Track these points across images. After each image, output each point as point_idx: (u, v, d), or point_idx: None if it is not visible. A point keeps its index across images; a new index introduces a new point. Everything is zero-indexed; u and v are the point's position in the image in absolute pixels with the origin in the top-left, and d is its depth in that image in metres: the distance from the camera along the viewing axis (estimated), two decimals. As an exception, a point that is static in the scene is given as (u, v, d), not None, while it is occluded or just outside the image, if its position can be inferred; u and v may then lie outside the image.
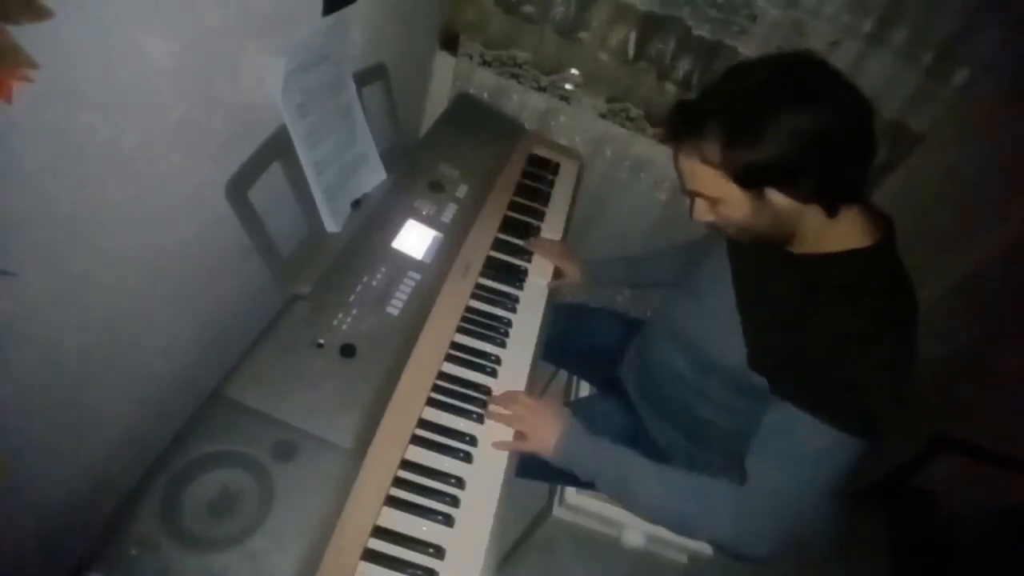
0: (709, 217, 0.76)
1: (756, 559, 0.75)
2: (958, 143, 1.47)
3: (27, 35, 0.43)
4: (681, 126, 0.70)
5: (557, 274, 1.17)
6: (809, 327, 0.70)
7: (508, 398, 0.89)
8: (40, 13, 0.43)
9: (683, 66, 1.48)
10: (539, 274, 1.14)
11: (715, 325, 0.83)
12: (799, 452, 0.70)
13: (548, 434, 0.84)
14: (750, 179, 0.67)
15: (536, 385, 0.96)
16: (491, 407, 0.88)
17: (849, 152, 0.65)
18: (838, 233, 0.73)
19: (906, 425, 1.91)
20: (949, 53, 1.33)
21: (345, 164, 0.98)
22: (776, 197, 0.68)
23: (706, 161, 0.68)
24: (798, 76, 0.67)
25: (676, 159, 0.74)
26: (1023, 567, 1.51)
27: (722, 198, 0.71)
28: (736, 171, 0.67)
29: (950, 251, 1.68)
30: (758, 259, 0.82)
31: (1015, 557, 1.54)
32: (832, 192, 0.67)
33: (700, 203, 0.76)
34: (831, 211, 0.69)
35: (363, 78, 1.04)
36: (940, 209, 1.59)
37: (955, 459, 1.66)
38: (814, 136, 0.63)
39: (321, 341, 0.81)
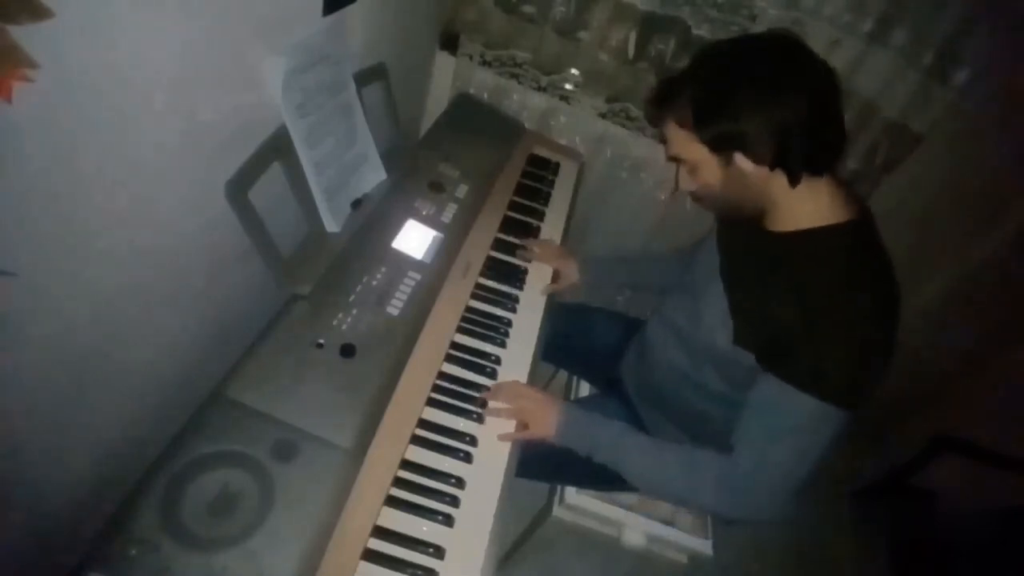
0: (691, 186, 0.81)
1: (757, 522, 0.79)
2: (958, 143, 1.47)
3: (27, 35, 0.43)
4: (661, 94, 0.78)
5: (555, 277, 1.17)
6: (786, 301, 0.74)
7: (502, 391, 0.90)
8: (40, 13, 0.43)
9: (683, 66, 1.47)
10: (538, 276, 1.14)
11: (708, 312, 0.85)
12: (783, 423, 0.73)
13: (547, 417, 0.87)
14: (717, 144, 0.73)
15: (536, 385, 0.96)
16: (490, 403, 0.89)
17: (810, 123, 0.69)
18: (810, 210, 0.76)
19: (906, 425, 1.93)
20: (949, 53, 1.33)
21: (345, 164, 0.98)
22: (743, 163, 0.72)
23: (681, 126, 0.75)
24: (767, 49, 0.72)
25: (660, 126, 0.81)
26: (1023, 567, 1.51)
27: (697, 163, 0.77)
28: (705, 136, 0.73)
29: (950, 251, 1.68)
30: (739, 240, 0.86)
31: (1015, 557, 1.54)
32: (794, 160, 0.71)
33: (682, 171, 0.81)
34: (793, 180, 0.72)
35: (363, 78, 1.04)
36: (940, 209, 1.59)
37: (955, 459, 1.66)
38: (775, 106, 0.68)
39: (321, 341, 0.81)
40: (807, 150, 0.71)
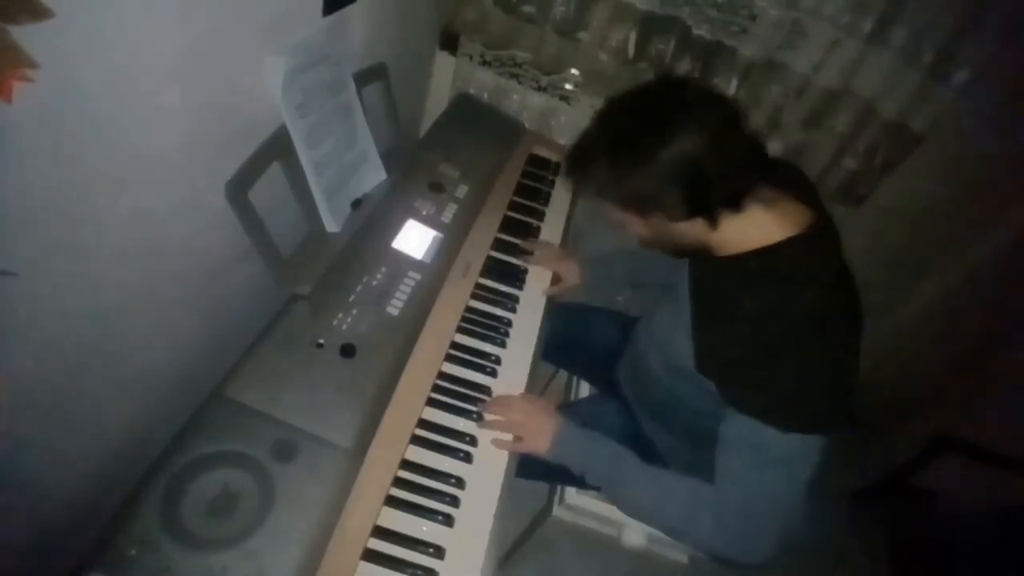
0: (625, 238, 0.82)
1: (746, 565, 0.75)
2: (958, 143, 1.47)
3: (27, 35, 0.43)
4: (569, 170, 0.79)
5: (556, 279, 1.16)
6: (729, 330, 0.73)
7: (501, 404, 0.89)
8: (40, 13, 0.43)
9: (683, 66, 1.48)
10: (538, 276, 1.14)
11: (680, 329, 0.83)
12: (759, 458, 0.70)
13: (542, 434, 0.85)
14: (630, 208, 0.75)
15: (536, 385, 0.96)
16: (486, 416, 0.88)
17: (710, 167, 0.68)
18: (745, 235, 0.74)
19: (906, 425, 1.93)
20: (949, 53, 1.33)
21: (345, 164, 0.98)
22: (660, 219, 0.73)
23: (594, 195, 0.77)
24: (649, 110, 0.70)
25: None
26: (1023, 567, 1.51)
27: (621, 222, 0.78)
28: (615, 203, 0.75)
29: (950, 251, 1.68)
30: (699, 266, 0.84)
31: (1015, 557, 1.54)
32: (706, 205, 0.71)
33: (612, 227, 0.82)
34: (712, 222, 0.72)
35: (363, 78, 1.04)
36: (940, 209, 1.59)
37: (955, 459, 1.66)
38: (669, 164, 0.67)
39: (321, 341, 0.81)
40: (716, 192, 0.70)
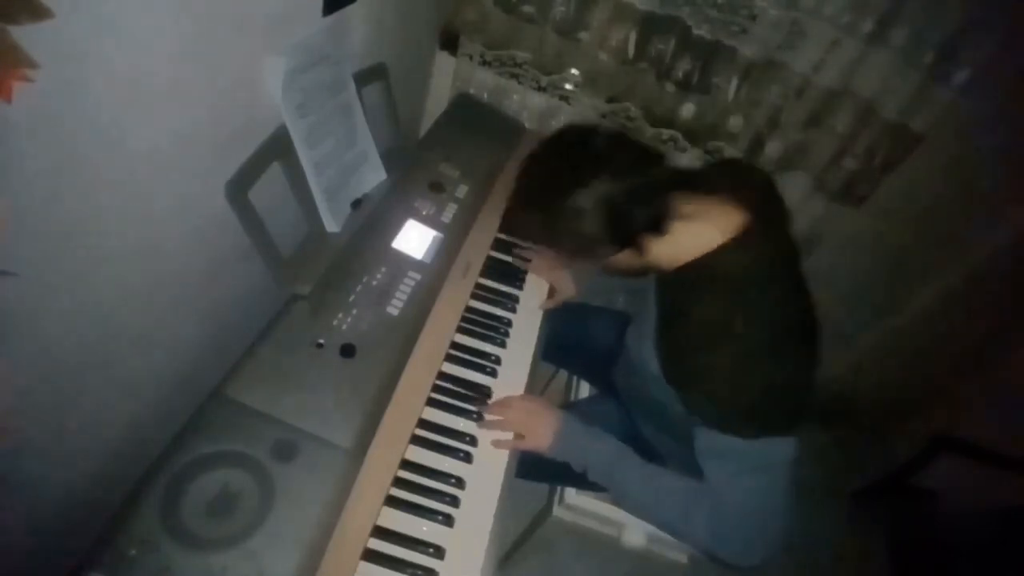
0: (584, 271, 0.91)
1: (742, 567, 0.76)
2: (958, 143, 1.47)
3: (27, 35, 0.43)
4: (510, 230, 0.95)
5: (551, 291, 1.16)
6: (680, 340, 0.75)
7: (501, 405, 0.89)
8: (40, 13, 0.43)
9: (683, 66, 1.48)
10: (537, 279, 1.14)
11: (650, 347, 0.84)
12: (730, 466, 0.72)
13: (544, 432, 0.86)
14: (570, 253, 0.82)
15: (536, 385, 0.96)
16: (487, 416, 0.88)
17: (627, 205, 0.71)
18: (685, 246, 0.76)
19: (906, 425, 1.93)
20: (949, 53, 1.33)
21: (345, 164, 0.98)
22: (599, 255, 0.78)
23: (539, 246, 0.87)
24: (567, 167, 0.74)
25: None
26: (1023, 567, 1.51)
27: (571, 257, 0.85)
28: (557, 251, 0.82)
29: (950, 251, 1.68)
30: (659, 277, 0.86)
31: (1015, 557, 1.54)
32: (630, 239, 0.74)
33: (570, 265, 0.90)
34: (640, 251, 0.76)
35: (363, 78, 1.04)
36: (940, 209, 1.59)
37: (955, 459, 1.66)
38: (592, 213, 0.71)
39: (321, 341, 0.81)
40: (634, 225, 0.73)
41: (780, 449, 0.70)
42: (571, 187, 0.71)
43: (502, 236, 1.17)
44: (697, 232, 0.75)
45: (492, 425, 0.87)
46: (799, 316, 0.74)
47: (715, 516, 0.74)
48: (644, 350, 0.84)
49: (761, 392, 0.69)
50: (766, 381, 0.69)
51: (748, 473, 0.71)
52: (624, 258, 0.78)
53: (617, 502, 0.85)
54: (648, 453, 0.93)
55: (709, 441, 0.72)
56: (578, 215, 0.72)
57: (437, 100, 1.68)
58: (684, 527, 0.78)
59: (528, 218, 0.79)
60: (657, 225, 0.74)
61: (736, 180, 0.83)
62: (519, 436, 0.87)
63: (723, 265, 0.73)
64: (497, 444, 0.86)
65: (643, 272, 0.83)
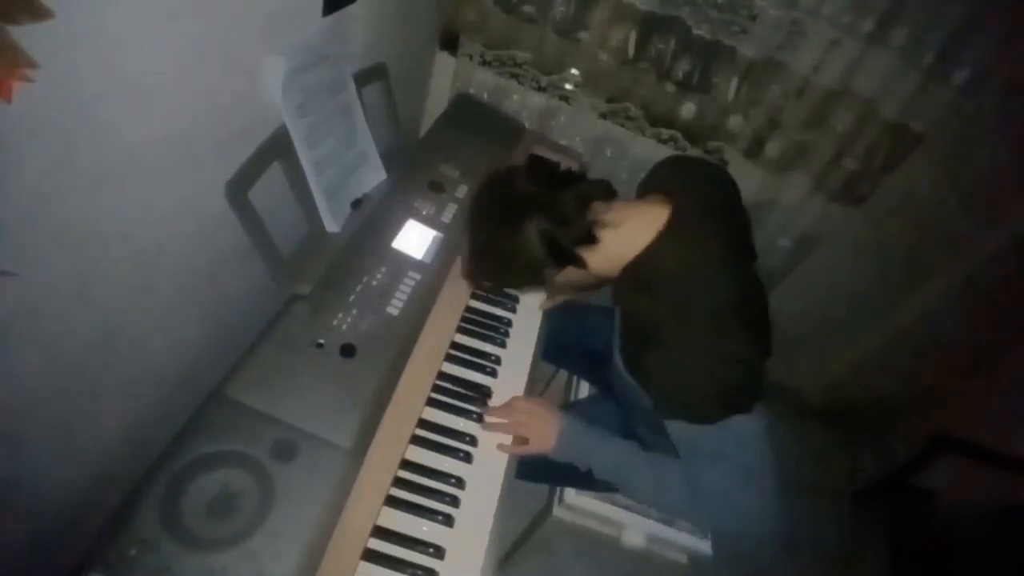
0: (543, 296, 0.98)
1: (752, 540, 0.83)
2: (958, 143, 1.47)
3: (27, 35, 0.43)
4: (467, 278, 0.97)
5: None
6: (633, 334, 0.81)
7: (505, 408, 0.89)
8: (40, 13, 0.43)
9: (683, 66, 1.48)
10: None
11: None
12: (700, 451, 0.75)
13: (547, 435, 0.86)
14: (525, 285, 0.90)
15: (536, 385, 0.96)
16: (487, 419, 0.89)
17: (556, 230, 0.76)
18: (620, 250, 0.79)
19: (906, 425, 1.93)
20: (949, 53, 1.33)
21: (345, 164, 0.98)
22: (550, 277, 0.82)
23: (496, 288, 0.97)
24: (493, 216, 0.80)
25: None
26: (1023, 567, 1.51)
27: (524, 289, 0.93)
28: (514, 288, 0.95)
29: (950, 251, 1.68)
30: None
31: (1015, 557, 1.54)
32: (568, 257, 0.78)
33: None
34: (580, 264, 0.79)
35: (363, 78, 1.04)
36: (940, 209, 1.59)
37: (955, 459, 1.66)
38: (527, 247, 0.77)
39: (321, 341, 0.81)
40: (567, 243, 0.77)
41: (746, 427, 0.73)
42: (507, 230, 0.78)
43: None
44: (625, 235, 0.78)
45: (494, 428, 0.87)
46: (739, 295, 0.75)
47: (710, 497, 0.77)
48: (616, 351, 0.89)
49: (711, 379, 0.71)
50: (715, 368, 0.71)
51: (721, 455, 0.73)
52: (572, 275, 0.82)
53: (622, 492, 0.87)
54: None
55: (678, 430, 0.75)
56: (519, 251, 0.77)
57: (437, 100, 1.68)
58: (690, 512, 0.82)
59: (480, 267, 0.85)
60: (586, 238, 0.78)
61: (667, 177, 0.88)
62: (522, 440, 0.87)
63: (656, 260, 0.76)
64: (501, 448, 0.86)
65: (597, 284, 0.88)
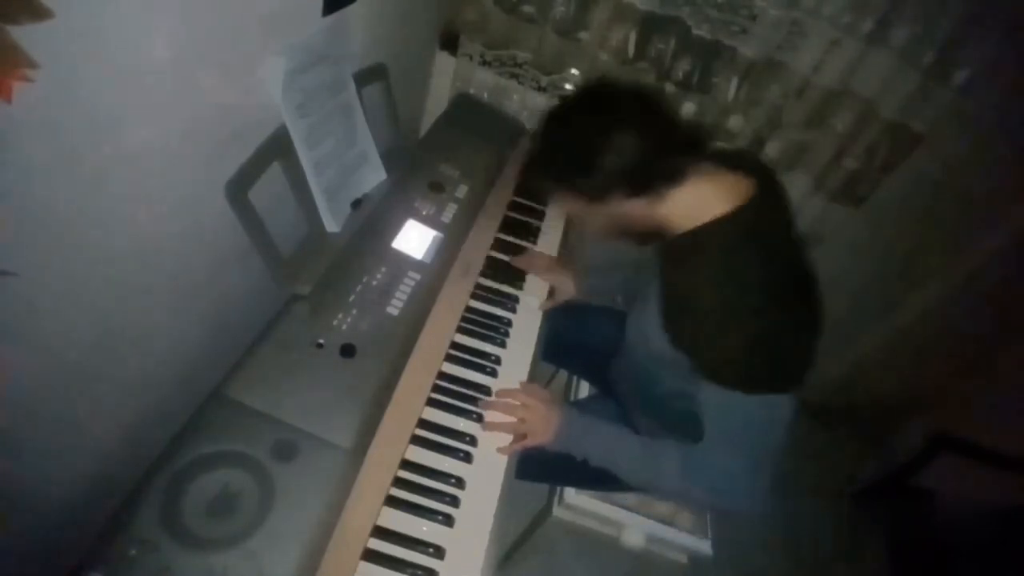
0: (591, 230, 0.88)
1: (742, 513, 0.82)
2: (958, 143, 1.47)
3: (27, 35, 0.43)
4: (528, 174, 0.89)
5: (551, 291, 1.15)
6: (688, 303, 0.78)
7: (503, 404, 0.89)
8: (40, 13, 0.43)
9: (683, 66, 1.48)
10: (537, 279, 1.14)
11: (650, 313, 0.87)
12: (732, 423, 0.76)
13: (547, 426, 0.87)
14: (587, 196, 0.80)
15: (533, 386, 0.96)
16: (488, 418, 0.88)
17: (647, 147, 0.74)
18: (695, 209, 0.78)
19: (906, 425, 1.93)
20: (949, 53, 1.33)
21: (345, 164, 0.98)
22: (618, 202, 0.78)
23: (556, 191, 0.84)
24: (585, 102, 0.79)
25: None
26: (1023, 567, 1.51)
27: (583, 214, 0.84)
28: (572, 192, 0.80)
29: (950, 251, 1.68)
30: (662, 247, 0.89)
31: (1015, 557, 1.54)
32: (653, 182, 0.76)
33: (576, 223, 0.87)
34: (659, 194, 0.77)
35: (363, 78, 1.04)
36: (940, 209, 1.59)
37: (955, 459, 1.66)
38: (616, 154, 0.74)
39: (321, 341, 0.81)
40: (660, 167, 0.75)
41: (777, 409, 0.75)
42: (599, 127, 0.74)
43: (502, 236, 1.17)
44: (710, 194, 0.78)
45: (493, 428, 0.88)
46: (797, 283, 0.77)
47: (711, 475, 0.79)
48: (644, 324, 0.87)
49: (761, 349, 0.72)
50: (766, 339, 0.72)
51: (746, 427, 0.76)
52: (637, 211, 0.79)
53: (623, 480, 0.88)
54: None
55: (712, 396, 0.76)
56: (600, 154, 0.74)
57: (437, 100, 1.68)
58: (686, 492, 0.83)
59: (550, 167, 0.81)
60: (676, 175, 0.76)
61: (742, 162, 0.86)
62: (521, 436, 0.87)
63: (731, 230, 0.76)
64: (502, 451, 0.86)
65: (649, 233, 0.84)
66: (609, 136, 0.74)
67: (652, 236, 0.84)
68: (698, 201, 0.78)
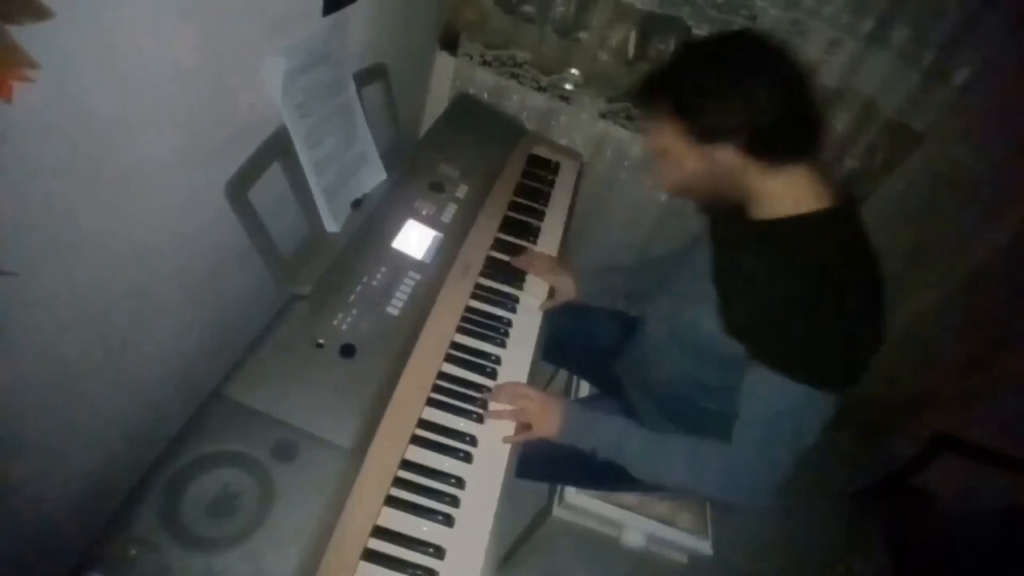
0: (673, 177, 0.83)
1: (748, 508, 0.82)
2: (958, 143, 1.47)
3: (27, 35, 0.43)
4: (647, 86, 0.80)
5: (552, 292, 1.15)
6: (769, 288, 0.76)
7: (503, 392, 0.90)
8: (40, 13, 0.43)
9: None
10: (537, 279, 1.14)
11: (702, 307, 0.86)
12: (773, 410, 0.76)
13: (550, 416, 0.88)
14: (702, 135, 0.75)
15: (536, 385, 0.96)
16: (491, 406, 0.89)
17: (787, 111, 0.72)
18: (790, 197, 0.77)
19: (906, 425, 1.93)
20: (949, 53, 1.33)
21: (345, 164, 0.98)
22: (725, 153, 0.75)
23: (665, 118, 0.77)
24: (742, 45, 0.75)
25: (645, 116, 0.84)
26: (1023, 567, 1.51)
27: (679, 155, 0.78)
28: (689, 127, 0.75)
29: (950, 251, 1.68)
30: (727, 229, 0.87)
31: (1015, 557, 1.54)
32: (775, 148, 0.74)
33: (663, 163, 0.82)
34: (774, 167, 0.75)
35: (363, 78, 1.04)
36: (940, 209, 1.59)
37: (955, 459, 1.66)
38: (755, 96, 0.71)
39: (321, 341, 0.81)
40: (786, 137, 0.73)
41: (817, 408, 0.74)
42: (750, 69, 0.71)
43: (502, 236, 1.17)
44: (806, 188, 0.76)
45: (496, 415, 0.88)
46: (873, 294, 0.76)
47: (729, 465, 0.79)
48: (689, 313, 0.87)
49: (825, 341, 0.72)
50: (831, 332, 0.72)
51: (788, 417, 0.75)
52: (736, 172, 0.76)
53: (630, 471, 0.87)
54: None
55: (761, 382, 0.75)
56: (741, 99, 0.71)
57: (437, 100, 1.68)
58: (694, 483, 0.83)
59: (680, 85, 0.75)
60: (799, 153, 0.74)
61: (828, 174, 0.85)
62: (525, 426, 0.88)
63: (814, 228, 0.75)
64: (507, 440, 0.86)
65: (727, 201, 0.81)
66: (756, 82, 0.70)
67: (724, 204, 0.82)
68: (793, 191, 0.76)
